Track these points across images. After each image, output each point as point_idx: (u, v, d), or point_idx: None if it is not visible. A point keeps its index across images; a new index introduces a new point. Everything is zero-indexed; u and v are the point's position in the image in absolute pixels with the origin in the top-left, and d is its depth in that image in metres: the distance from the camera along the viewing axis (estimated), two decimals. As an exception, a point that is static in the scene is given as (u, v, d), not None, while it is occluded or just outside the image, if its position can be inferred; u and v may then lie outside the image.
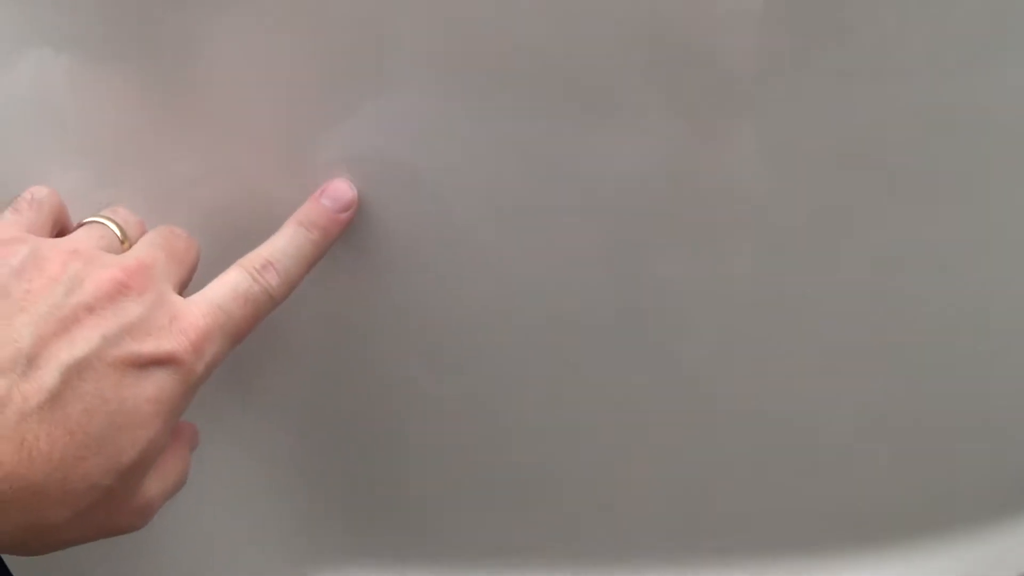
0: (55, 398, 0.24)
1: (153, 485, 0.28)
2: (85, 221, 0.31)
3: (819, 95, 0.30)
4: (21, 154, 0.32)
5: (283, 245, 0.31)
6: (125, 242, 0.30)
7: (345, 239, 0.33)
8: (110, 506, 0.27)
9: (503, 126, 0.31)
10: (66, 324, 0.25)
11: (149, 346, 0.26)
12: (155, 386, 0.26)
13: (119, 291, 0.27)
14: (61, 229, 0.31)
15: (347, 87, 0.31)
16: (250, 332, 0.30)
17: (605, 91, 0.30)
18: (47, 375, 0.24)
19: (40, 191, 0.30)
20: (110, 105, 0.32)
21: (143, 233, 0.31)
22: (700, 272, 0.34)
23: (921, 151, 0.32)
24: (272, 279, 0.30)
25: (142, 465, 0.27)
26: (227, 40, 0.31)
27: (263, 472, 0.39)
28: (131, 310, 0.27)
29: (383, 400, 0.38)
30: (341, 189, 0.32)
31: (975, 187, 0.33)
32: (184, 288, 0.30)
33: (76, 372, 0.25)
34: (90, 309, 0.26)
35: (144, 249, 0.29)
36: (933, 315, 0.35)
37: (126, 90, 0.32)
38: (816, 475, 0.39)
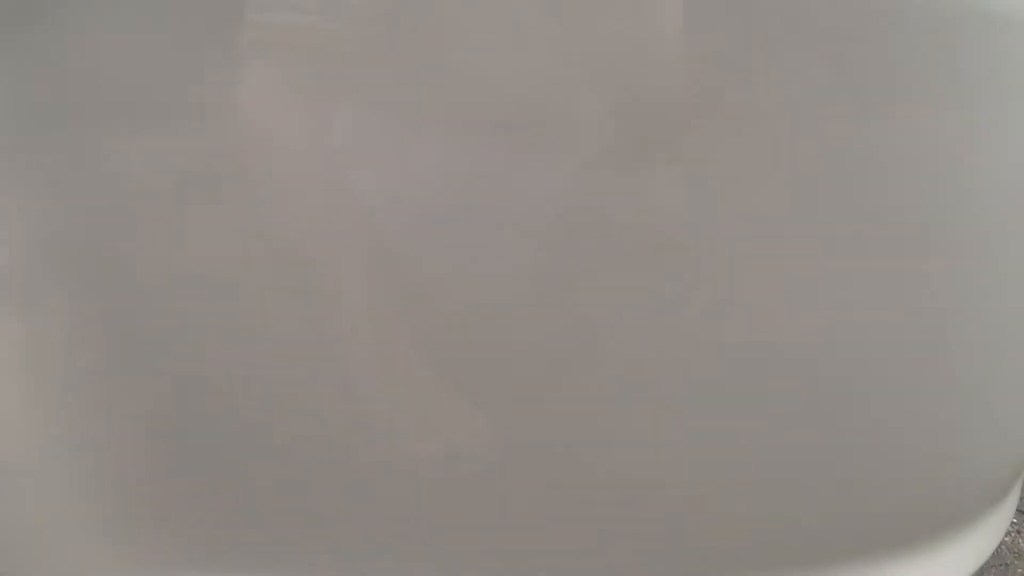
0: None
1: None
2: None
3: (733, 134, 0.32)
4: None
5: None
6: None
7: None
8: None
9: (444, 156, 0.33)
10: None
11: None
12: None
13: None
14: None
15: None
16: None
17: (537, 125, 0.31)
18: None
19: None
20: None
21: None
22: (621, 302, 0.35)
23: (821, 184, 0.34)
24: None
25: None
26: (249, 87, 0.33)
27: (114, 470, 0.40)
28: None
29: (256, 404, 0.40)
30: None
31: (870, 208, 0.35)
32: None
33: None
34: None
35: None
36: (861, 339, 0.39)
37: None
38: (767, 499, 0.41)
